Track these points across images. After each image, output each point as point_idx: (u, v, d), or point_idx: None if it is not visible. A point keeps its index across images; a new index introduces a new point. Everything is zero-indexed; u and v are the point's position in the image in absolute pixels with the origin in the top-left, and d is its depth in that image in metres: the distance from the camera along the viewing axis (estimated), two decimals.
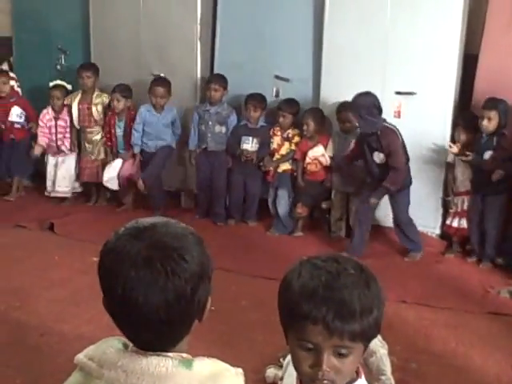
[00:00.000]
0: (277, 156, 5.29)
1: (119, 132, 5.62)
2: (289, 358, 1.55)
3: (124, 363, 1.21)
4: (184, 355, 1.24)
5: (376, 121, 4.50)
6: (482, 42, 4.82)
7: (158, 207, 5.45)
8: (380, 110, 4.54)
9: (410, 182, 4.68)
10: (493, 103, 4.50)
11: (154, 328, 1.20)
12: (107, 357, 1.23)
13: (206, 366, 1.24)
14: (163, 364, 1.20)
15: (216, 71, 5.63)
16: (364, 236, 4.77)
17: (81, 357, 1.28)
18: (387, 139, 4.50)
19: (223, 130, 5.39)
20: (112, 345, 1.27)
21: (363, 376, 1.37)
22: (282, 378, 1.64)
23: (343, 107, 4.92)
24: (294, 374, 1.37)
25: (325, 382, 1.25)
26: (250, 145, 5.31)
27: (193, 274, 1.19)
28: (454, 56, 4.80)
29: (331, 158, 5.09)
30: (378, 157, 4.61)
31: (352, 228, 4.92)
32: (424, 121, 4.84)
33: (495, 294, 4.24)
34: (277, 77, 5.44)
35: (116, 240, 1.22)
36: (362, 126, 4.55)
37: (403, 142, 4.59)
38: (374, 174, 4.70)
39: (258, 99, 5.26)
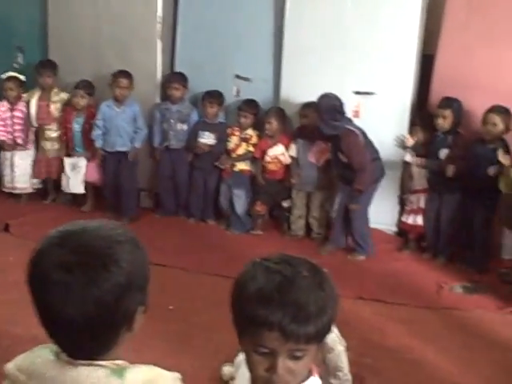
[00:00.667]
0: (233, 156, 5.31)
1: (77, 128, 5.53)
2: (240, 358, 1.55)
3: (53, 375, 1.18)
4: (119, 362, 1.21)
5: (337, 124, 4.60)
6: (438, 42, 4.91)
7: (128, 216, 5.34)
8: (342, 113, 4.65)
9: (378, 180, 4.75)
10: (447, 102, 4.61)
11: (76, 335, 1.16)
12: (35, 367, 1.20)
13: (140, 373, 1.22)
14: (94, 375, 1.17)
15: (177, 70, 5.62)
16: (343, 228, 4.87)
17: (10, 366, 1.24)
18: (346, 142, 4.60)
19: (185, 127, 5.40)
20: (41, 354, 1.23)
21: (316, 374, 1.39)
22: (233, 378, 1.63)
23: (308, 105, 4.96)
24: (247, 374, 1.37)
25: None
26: (206, 139, 5.33)
27: (116, 285, 1.14)
28: (412, 56, 4.88)
29: (293, 158, 5.12)
30: (343, 157, 4.69)
31: (333, 220, 4.99)
32: (382, 120, 4.91)
33: (449, 289, 4.33)
34: (237, 76, 5.45)
35: (45, 242, 1.19)
36: (323, 128, 4.65)
37: (368, 141, 4.67)
38: (339, 172, 4.83)
39: (214, 95, 5.29)
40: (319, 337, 1.26)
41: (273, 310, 1.20)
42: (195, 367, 3.28)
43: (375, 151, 4.73)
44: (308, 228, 5.23)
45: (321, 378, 2.60)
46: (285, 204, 5.24)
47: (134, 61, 5.51)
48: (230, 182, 5.33)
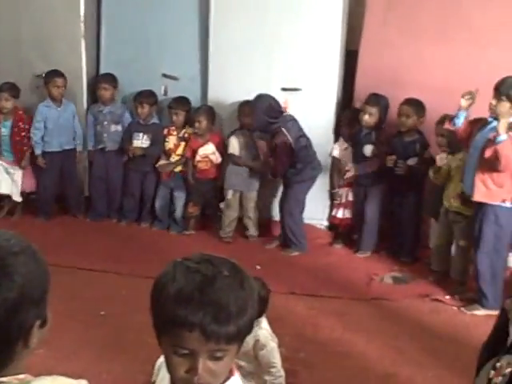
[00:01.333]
0: (173, 156, 5.26)
1: (5, 132, 5.35)
2: (160, 361, 1.53)
3: None
4: (20, 377, 1.16)
5: (271, 122, 4.71)
6: (361, 38, 5.00)
7: (78, 213, 5.49)
8: (280, 111, 4.74)
9: (312, 178, 4.86)
10: (375, 99, 4.69)
11: None
12: None
13: None
14: None
15: (102, 70, 5.54)
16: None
17: None
18: (276, 141, 4.74)
19: (119, 128, 5.37)
20: None
21: (237, 373, 1.38)
22: (153, 382, 1.61)
23: (246, 103, 4.98)
24: (167, 377, 1.35)
25: None
26: (140, 141, 5.28)
27: (7, 299, 1.10)
28: (336, 52, 4.96)
29: (237, 156, 5.06)
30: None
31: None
32: (309, 115, 4.96)
33: (379, 280, 4.44)
34: (164, 75, 5.41)
35: None
36: (256, 125, 4.82)
37: (303, 145, 4.77)
38: None
39: (144, 95, 5.25)
40: (240, 337, 1.26)
41: (193, 310, 1.19)
42: (130, 372, 3.24)
43: (310, 154, 4.83)
44: (242, 228, 5.21)
45: (243, 377, 2.61)
46: (222, 205, 5.21)
47: (58, 61, 5.38)
48: (171, 185, 5.29)
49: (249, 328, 1.27)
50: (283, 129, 4.73)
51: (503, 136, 3.65)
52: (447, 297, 4.17)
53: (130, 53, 5.45)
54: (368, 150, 4.74)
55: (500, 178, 3.80)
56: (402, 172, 4.56)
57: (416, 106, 4.57)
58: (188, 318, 1.19)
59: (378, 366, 3.35)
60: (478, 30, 4.63)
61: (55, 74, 5.26)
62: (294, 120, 4.83)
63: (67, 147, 5.41)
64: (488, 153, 3.71)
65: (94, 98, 5.50)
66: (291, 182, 4.86)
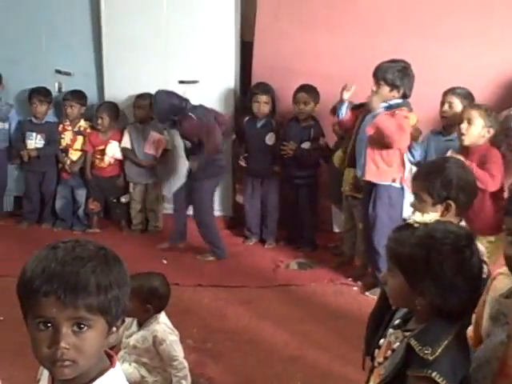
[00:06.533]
0: (71, 151, 5.14)
1: None
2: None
3: None
4: None
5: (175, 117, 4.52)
6: (255, 30, 5.04)
7: None
8: (181, 108, 4.48)
9: (213, 175, 4.60)
10: (264, 87, 4.73)
11: None
12: None
13: None
14: None
15: None
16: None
17: None
18: (183, 127, 4.54)
19: (6, 126, 5.21)
20: None
21: (118, 364, 1.33)
22: (38, 381, 1.56)
23: (141, 96, 4.94)
24: (46, 373, 1.32)
25: (66, 362, 1.20)
26: (33, 141, 5.15)
27: None
28: (231, 43, 4.98)
29: (129, 150, 5.00)
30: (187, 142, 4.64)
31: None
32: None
33: (285, 267, 4.50)
34: (58, 71, 5.26)
35: None
36: (160, 122, 4.79)
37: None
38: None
39: (41, 93, 5.09)
40: (104, 309, 1.22)
41: (48, 278, 1.18)
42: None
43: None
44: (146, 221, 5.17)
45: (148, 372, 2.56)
46: (123, 199, 5.14)
47: None
48: (71, 183, 5.20)
49: (117, 307, 1.24)
50: (191, 114, 4.47)
51: (378, 110, 3.80)
52: (349, 279, 4.28)
53: (20, 50, 5.24)
54: (270, 138, 4.77)
55: (389, 156, 3.89)
56: (291, 153, 4.61)
57: (312, 92, 4.64)
58: (43, 286, 1.18)
59: (285, 350, 3.39)
60: (368, 19, 4.77)
61: None
62: (199, 106, 4.61)
63: None
64: (370, 130, 3.84)
65: None
66: (196, 177, 4.55)
